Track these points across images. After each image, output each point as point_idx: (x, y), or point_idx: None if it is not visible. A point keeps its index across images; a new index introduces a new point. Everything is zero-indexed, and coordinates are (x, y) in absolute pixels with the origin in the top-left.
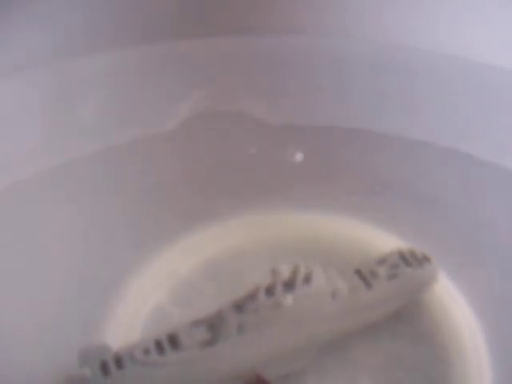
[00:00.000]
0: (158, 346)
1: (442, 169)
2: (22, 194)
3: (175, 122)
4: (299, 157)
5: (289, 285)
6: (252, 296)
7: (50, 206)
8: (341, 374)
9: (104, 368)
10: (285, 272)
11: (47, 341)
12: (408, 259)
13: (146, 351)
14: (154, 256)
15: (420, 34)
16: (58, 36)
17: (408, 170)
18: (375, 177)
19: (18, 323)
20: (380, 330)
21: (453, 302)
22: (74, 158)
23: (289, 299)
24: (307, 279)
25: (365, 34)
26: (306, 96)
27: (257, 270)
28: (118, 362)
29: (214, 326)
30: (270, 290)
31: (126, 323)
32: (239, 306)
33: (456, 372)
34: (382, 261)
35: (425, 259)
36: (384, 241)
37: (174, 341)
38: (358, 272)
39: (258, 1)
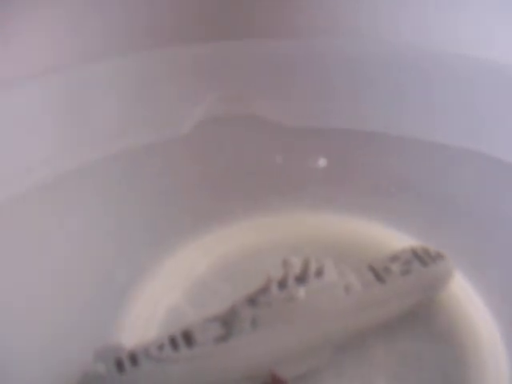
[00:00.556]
0: (173, 342)
1: (458, 169)
2: (38, 197)
3: (190, 125)
4: (313, 159)
5: (301, 278)
6: (264, 289)
7: (67, 208)
8: (357, 374)
9: (119, 365)
10: (296, 264)
11: (63, 340)
12: (421, 256)
13: (161, 347)
14: (169, 256)
15: (434, 34)
16: (75, 40)
17: (423, 170)
18: (390, 178)
19: (34, 322)
20: (396, 329)
21: (469, 301)
22: (91, 160)
23: (301, 292)
24: (319, 273)
25: (378, 34)
26: (320, 98)
27: (272, 269)
28: (133, 358)
29: (227, 322)
30: (282, 283)
31: (142, 324)
32: (252, 300)
33: (473, 371)
34: (395, 257)
35: (439, 256)
36: (399, 241)
37: (188, 337)
38: (371, 268)
39: (271, 4)
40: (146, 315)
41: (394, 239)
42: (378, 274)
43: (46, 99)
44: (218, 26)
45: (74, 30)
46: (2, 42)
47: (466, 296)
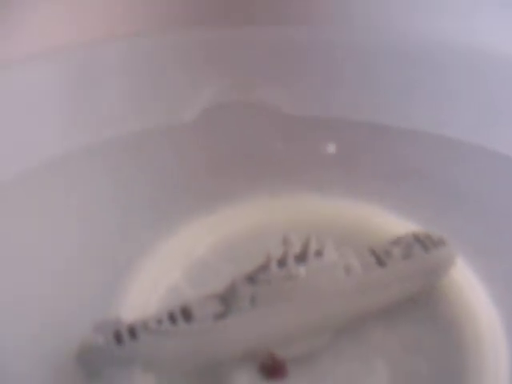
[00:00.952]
0: (171, 317)
1: (466, 163)
2: (45, 177)
3: (196, 111)
4: (318, 146)
5: (301, 257)
6: (264, 267)
7: (72, 187)
8: (356, 357)
9: (118, 337)
10: (296, 242)
11: (62, 316)
12: (423, 241)
13: (159, 322)
14: (171, 236)
15: (446, 25)
16: (81, 21)
17: (430, 162)
18: (396, 167)
19: (34, 298)
20: (397, 314)
21: (470, 287)
22: (97, 141)
23: (301, 271)
24: (319, 252)
25: (389, 25)
26: (327, 88)
27: (273, 250)
28: (132, 331)
29: (226, 299)
30: (282, 261)
31: (141, 302)
32: (251, 278)
33: (472, 358)
34: (397, 242)
35: (441, 242)
36: (402, 226)
37: (186, 313)
38: (372, 251)
39: None
40: (146, 293)
41: (397, 225)
42: (379, 257)
43: (49, 82)
44: (225, 12)
45: (83, 10)
46: (5, 21)
47: (467, 283)
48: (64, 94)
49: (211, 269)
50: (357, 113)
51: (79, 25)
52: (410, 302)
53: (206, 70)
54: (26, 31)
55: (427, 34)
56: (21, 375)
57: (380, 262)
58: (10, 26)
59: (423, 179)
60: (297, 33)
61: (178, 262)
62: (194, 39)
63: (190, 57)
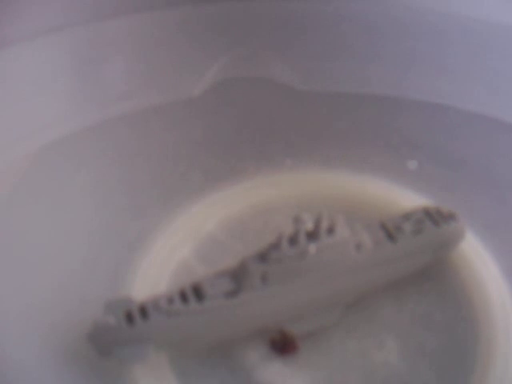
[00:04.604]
0: (183, 296)
1: (471, 133)
2: (51, 156)
3: (202, 87)
4: (326, 120)
5: (312, 235)
6: (275, 245)
7: (78, 166)
8: (367, 332)
9: (129, 317)
10: (308, 221)
11: (73, 293)
12: (433, 216)
13: (170, 300)
14: (180, 213)
15: None
16: None
17: (436, 132)
18: (403, 139)
19: (47, 277)
20: (406, 289)
21: (480, 260)
22: (102, 119)
23: (312, 249)
24: (331, 230)
25: None
26: (334, 61)
27: (283, 227)
28: (143, 311)
29: (237, 277)
30: (293, 240)
31: (151, 280)
32: (262, 256)
33: (483, 331)
34: (407, 216)
35: (451, 216)
36: (411, 200)
37: (198, 291)
38: (383, 226)
39: None
40: (156, 271)
41: (407, 199)
42: (390, 232)
43: (54, 59)
44: None
45: None
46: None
47: (477, 256)
48: (70, 71)
49: (221, 245)
50: (365, 86)
51: (81, 1)
52: (419, 276)
53: (213, 44)
54: (31, 9)
55: (430, 5)
56: (32, 355)
57: (391, 238)
58: (15, 4)
59: (432, 152)
60: (303, 6)
61: (187, 238)
62: (202, 13)
63: (197, 31)
